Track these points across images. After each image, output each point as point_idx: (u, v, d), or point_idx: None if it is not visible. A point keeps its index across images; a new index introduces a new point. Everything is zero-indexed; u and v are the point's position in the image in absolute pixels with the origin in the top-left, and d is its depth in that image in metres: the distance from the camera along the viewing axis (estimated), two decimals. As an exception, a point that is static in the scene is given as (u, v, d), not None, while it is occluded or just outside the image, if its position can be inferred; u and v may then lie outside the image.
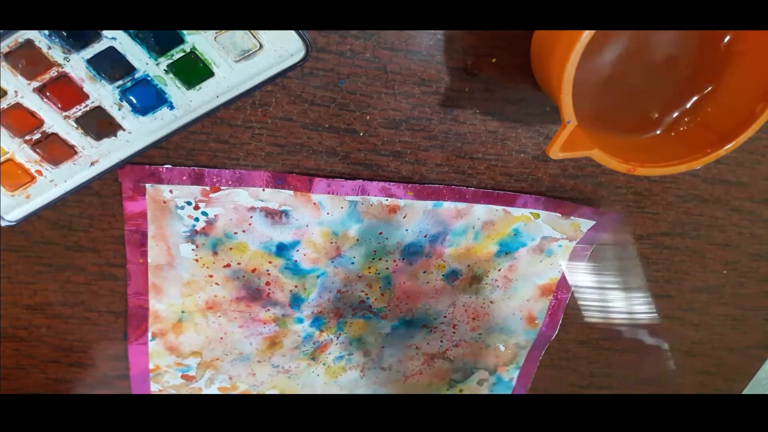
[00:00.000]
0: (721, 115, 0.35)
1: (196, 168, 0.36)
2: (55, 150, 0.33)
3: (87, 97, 0.31)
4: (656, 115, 0.36)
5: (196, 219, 0.38)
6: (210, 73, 0.32)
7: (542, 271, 0.46)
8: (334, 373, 0.49)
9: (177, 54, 0.31)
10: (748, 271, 0.50)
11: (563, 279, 0.47)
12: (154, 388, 0.46)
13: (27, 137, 0.32)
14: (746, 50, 0.34)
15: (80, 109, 0.32)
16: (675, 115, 0.36)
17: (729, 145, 0.34)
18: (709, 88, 0.36)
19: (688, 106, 0.36)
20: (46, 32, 0.29)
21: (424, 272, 0.44)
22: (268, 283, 0.42)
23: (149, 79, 0.31)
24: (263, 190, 0.38)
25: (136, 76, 0.31)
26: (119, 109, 0.32)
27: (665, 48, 0.34)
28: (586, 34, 0.28)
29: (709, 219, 0.46)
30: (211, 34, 0.30)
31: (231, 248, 0.40)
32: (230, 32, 0.31)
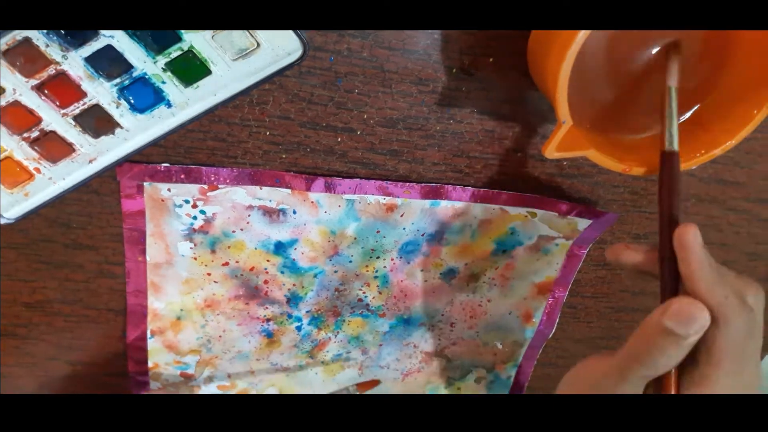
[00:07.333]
0: (718, 115, 0.35)
1: (194, 166, 0.36)
2: (54, 148, 0.33)
3: (85, 95, 0.31)
4: (653, 116, 0.36)
5: (194, 217, 0.38)
6: (207, 72, 0.32)
7: (539, 269, 0.46)
8: (332, 371, 0.49)
9: (175, 52, 0.31)
10: (745, 270, 0.50)
11: (560, 277, 0.47)
12: (154, 386, 0.46)
13: (25, 135, 0.32)
14: (744, 50, 0.34)
15: (78, 107, 0.32)
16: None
17: (725, 145, 0.34)
18: (706, 89, 0.36)
19: (685, 106, 0.36)
20: (44, 30, 0.29)
21: (422, 271, 0.44)
22: (266, 282, 0.42)
23: (147, 77, 0.32)
24: (261, 188, 0.38)
25: (134, 74, 0.31)
26: (117, 107, 0.32)
27: (662, 48, 0.35)
28: (582, 35, 0.28)
29: (705, 218, 0.46)
30: (208, 32, 0.31)
31: (229, 246, 0.40)
32: (228, 31, 0.31)
